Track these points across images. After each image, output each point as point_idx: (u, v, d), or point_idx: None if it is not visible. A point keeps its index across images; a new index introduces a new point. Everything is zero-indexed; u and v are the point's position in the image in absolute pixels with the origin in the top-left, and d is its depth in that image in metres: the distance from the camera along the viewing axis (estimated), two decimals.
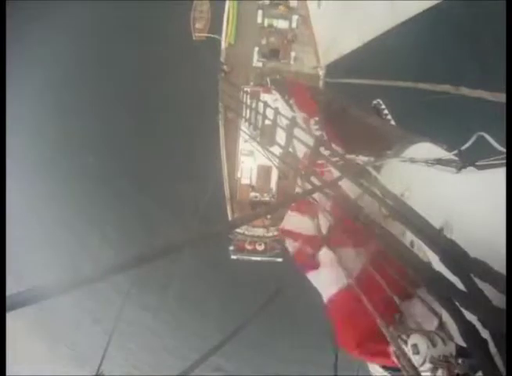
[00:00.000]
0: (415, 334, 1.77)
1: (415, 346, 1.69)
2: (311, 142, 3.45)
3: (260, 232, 11.88)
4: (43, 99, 14.93)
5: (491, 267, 1.28)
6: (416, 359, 1.67)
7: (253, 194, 11.65)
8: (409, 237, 2.14)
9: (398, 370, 1.84)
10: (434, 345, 1.62)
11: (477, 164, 1.93)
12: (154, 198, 14.89)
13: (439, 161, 2.20)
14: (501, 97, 2.06)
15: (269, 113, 5.73)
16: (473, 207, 1.77)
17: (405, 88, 4.03)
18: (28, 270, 14.42)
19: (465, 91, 2.57)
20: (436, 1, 6.32)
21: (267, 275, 11.69)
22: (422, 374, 1.64)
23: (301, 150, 4.05)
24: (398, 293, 2.21)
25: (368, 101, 4.46)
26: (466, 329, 1.23)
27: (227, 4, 11.46)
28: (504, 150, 1.72)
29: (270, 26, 11.53)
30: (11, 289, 1.04)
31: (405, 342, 1.86)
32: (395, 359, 1.87)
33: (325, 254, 2.91)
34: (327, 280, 2.76)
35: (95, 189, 15.10)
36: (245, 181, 11.54)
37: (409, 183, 2.44)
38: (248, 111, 7.79)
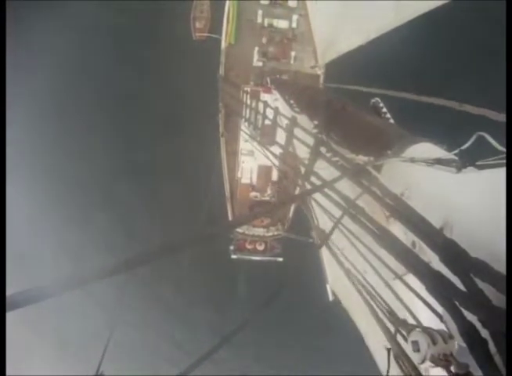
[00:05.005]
0: (415, 331, 1.76)
1: (415, 343, 1.68)
2: (311, 142, 3.46)
3: (260, 231, 11.92)
4: (43, 99, 14.92)
5: (491, 267, 1.28)
6: (415, 357, 1.65)
7: (253, 194, 11.68)
8: (410, 237, 2.14)
9: None
10: (434, 342, 1.61)
11: (477, 164, 1.93)
12: (154, 198, 14.89)
13: (439, 161, 2.20)
14: (504, 117, 2.07)
15: (269, 113, 5.73)
16: (473, 207, 1.77)
17: (405, 88, 4.02)
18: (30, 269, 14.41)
19: (468, 108, 2.57)
20: (443, 2, 6.30)
21: (267, 275, 11.70)
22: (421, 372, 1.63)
23: (301, 150, 4.06)
24: None
25: (366, 99, 4.44)
26: (467, 329, 1.23)
27: (227, 4, 11.46)
28: (504, 149, 1.73)
29: (270, 26, 11.53)
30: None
31: (405, 339, 1.84)
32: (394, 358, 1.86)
33: None
34: None
35: (97, 189, 15.10)
36: (245, 181, 11.56)
37: (409, 183, 2.44)
38: (248, 111, 7.79)
